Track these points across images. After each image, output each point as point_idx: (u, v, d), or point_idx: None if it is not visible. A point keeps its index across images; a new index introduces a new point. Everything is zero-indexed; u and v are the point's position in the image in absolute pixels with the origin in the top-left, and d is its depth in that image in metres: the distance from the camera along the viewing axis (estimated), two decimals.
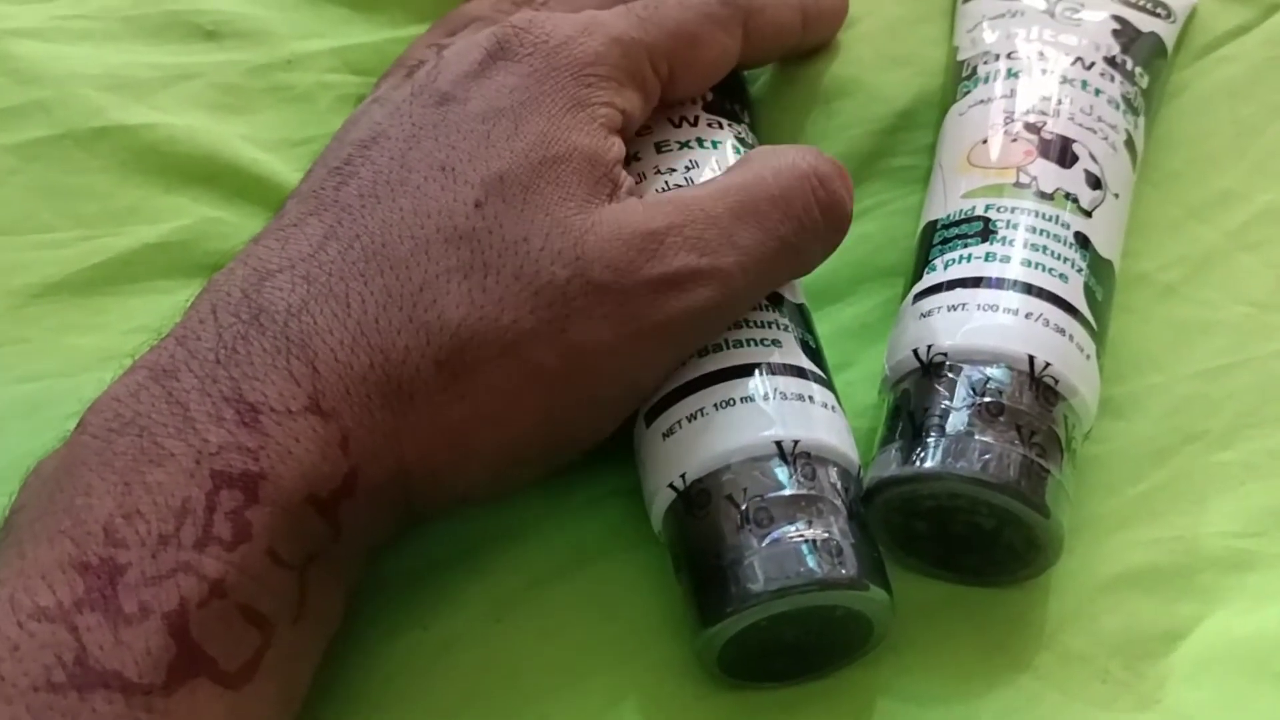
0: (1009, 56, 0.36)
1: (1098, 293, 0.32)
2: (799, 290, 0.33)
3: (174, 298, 0.35)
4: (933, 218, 0.34)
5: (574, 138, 0.30)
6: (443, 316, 0.27)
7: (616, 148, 0.31)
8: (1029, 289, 0.31)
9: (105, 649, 0.23)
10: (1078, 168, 0.33)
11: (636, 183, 0.32)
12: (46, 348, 0.35)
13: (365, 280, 0.27)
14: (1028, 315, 0.30)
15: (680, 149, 0.34)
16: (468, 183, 0.28)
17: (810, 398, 0.30)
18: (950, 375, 0.30)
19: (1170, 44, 0.38)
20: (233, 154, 0.38)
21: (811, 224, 0.31)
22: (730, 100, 0.36)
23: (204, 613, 0.24)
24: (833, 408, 0.30)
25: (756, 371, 0.30)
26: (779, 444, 0.29)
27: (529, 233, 0.28)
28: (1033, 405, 0.29)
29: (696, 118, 0.35)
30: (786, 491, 0.28)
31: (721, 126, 0.35)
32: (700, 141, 0.34)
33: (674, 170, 0.33)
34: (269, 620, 0.25)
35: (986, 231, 0.32)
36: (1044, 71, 0.35)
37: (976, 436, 0.29)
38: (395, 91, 0.32)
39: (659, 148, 0.34)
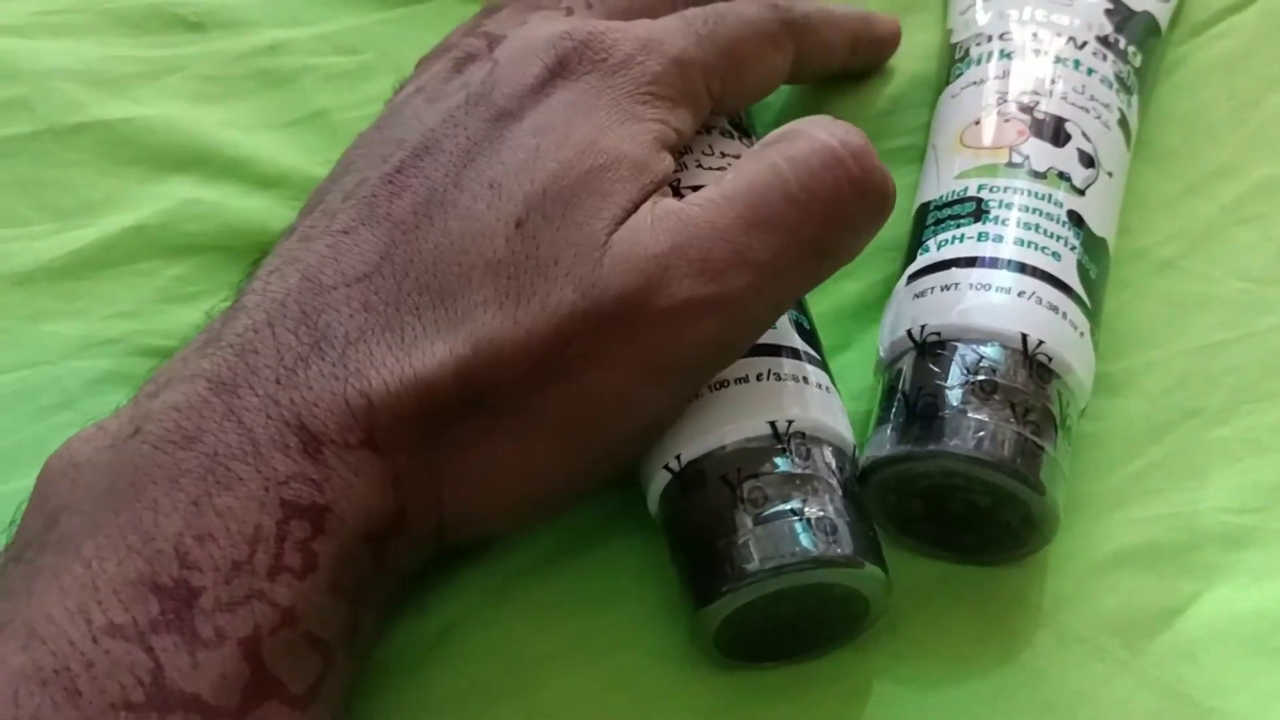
0: (1002, 38, 0.36)
1: (1091, 270, 0.32)
2: None
3: (153, 280, 0.36)
4: (926, 199, 0.34)
5: (622, 146, 0.29)
6: (477, 353, 0.26)
7: (666, 163, 0.29)
8: (1022, 268, 0.31)
9: (183, 672, 0.23)
10: (1070, 147, 0.33)
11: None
12: (24, 337, 0.34)
13: (419, 313, 0.27)
14: (1020, 293, 0.30)
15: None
16: (511, 199, 0.27)
17: (805, 379, 0.30)
18: (944, 354, 0.30)
19: (1164, 22, 0.38)
20: (212, 140, 0.38)
21: (844, 216, 0.28)
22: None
23: (275, 640, 0.24)
24: (827, 388, 0.30)
25: (751, 353, 0.30)
26: (773, 424, 0.29)
27: (560, 253, 0.27)
28: (1027, 383, 0.29)
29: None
30: (781, 471, 0.28)
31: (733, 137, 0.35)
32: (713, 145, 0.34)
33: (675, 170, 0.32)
34: (330, 646, 0.25)
35: (979, 211, 0.32)
36: (1037, 52, 0.35)
37: (971, 415, 0.29)
38: (445, 89, 0.31)
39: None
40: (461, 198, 0.28)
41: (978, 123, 0.34)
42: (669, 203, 0.28)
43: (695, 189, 0.29)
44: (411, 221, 0.28)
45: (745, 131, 0.35)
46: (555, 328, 0.26)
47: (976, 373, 0.29)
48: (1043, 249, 0.31)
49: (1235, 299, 0.35)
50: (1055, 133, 0.33)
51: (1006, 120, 0.34)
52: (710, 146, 0.33)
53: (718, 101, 0.32)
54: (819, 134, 0.28)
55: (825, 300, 0.35)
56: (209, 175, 0.37)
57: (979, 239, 0.32)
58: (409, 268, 0.27)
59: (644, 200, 0.28)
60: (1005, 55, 0.36)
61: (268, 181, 0.37)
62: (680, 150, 0.31)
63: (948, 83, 0.37)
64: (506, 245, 0.27)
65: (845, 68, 0.39)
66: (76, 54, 0.39)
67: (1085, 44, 0.36)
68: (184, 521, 0.24)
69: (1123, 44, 0.36)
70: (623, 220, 0.27)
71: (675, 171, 0.30)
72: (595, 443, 0.28)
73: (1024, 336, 0.30)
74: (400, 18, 0.42)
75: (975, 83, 0.36)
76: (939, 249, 0.32)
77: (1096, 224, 0.32)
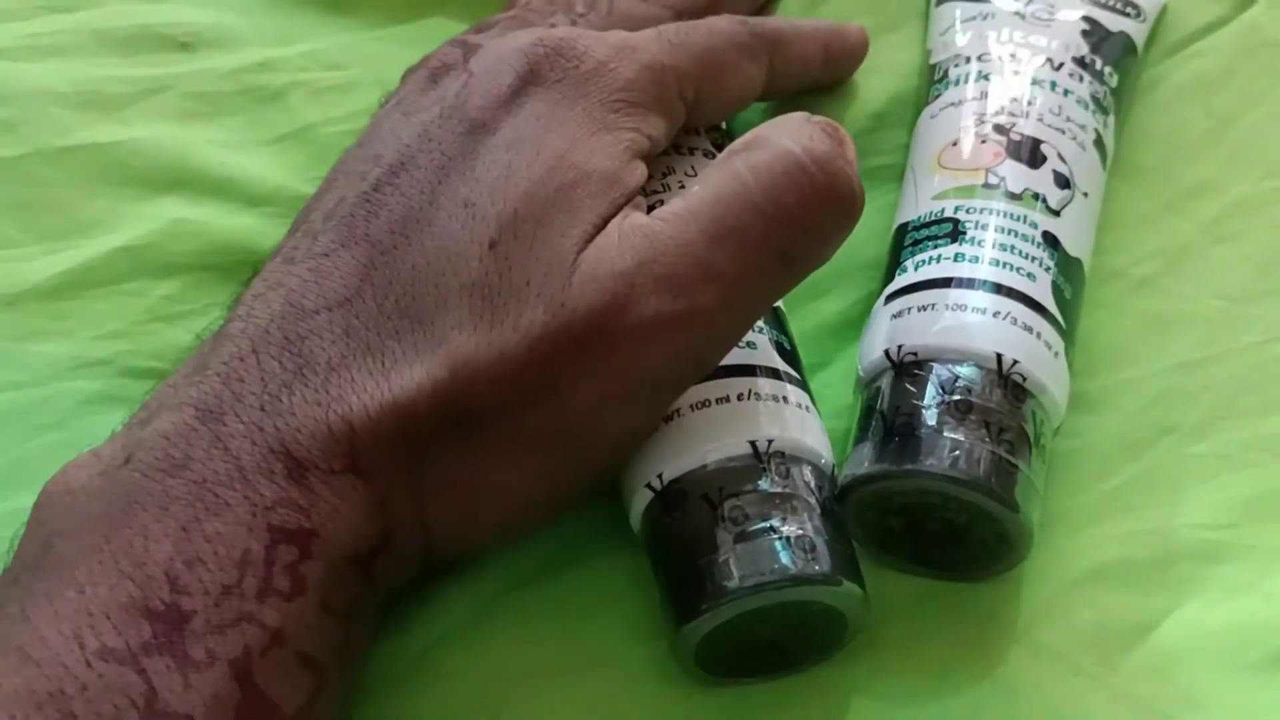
0: (980, 59, 0.37)
1: (1066, 291, 0.32)
2: None
3: (142, 300, 0.36)
4: (904, 219, 0.34)
5: (594, 160, 0.29)
6: (454, 376, 0.27)
7: (639, 173, 0.30)
8: (997, 288, 0.31)
9: (176, 693, 0.24)
10: (1046, 168, 0.34)
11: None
12: (12, 358, 0.35)
13: (398, 337, 0.27)
14: (996, 314, 0.31)
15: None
16: (485, 219, 0.28)
17: (785, 398, 0.30)
18: (921, 374, 0.30)
19: (1140, 43, 0.38)
20: (200, 159, 0.38)
21: (809, 224, 0.28)
22: None
23: (266, 659, 0.25)
24: (807, 408, 0.31)
25: (732, 373, 0.30)
26: (754, 444, 0.29)
27: (531, 274, 0.27)
28: (1001, 402, 0.30)
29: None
30: (761, 490, 0.29)
31: (698, 133, 0.35)
32: (678, 148, 0.34)
33: (655, 191, 0.33)
34: (321, 664, 0.26)
35: (956, 232, 0.32)
36: (1014, 73, 0.36)
37: (946, 434, 0.29)
38: (421, 102, 0.31)
39: None
40: (437, 217, 0.28)
41: (955, 144, 0.35)
42: (637, 218, 0.28)
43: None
44: (389, 242, 0.28)
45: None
46: (528, 349, 0.27)
47: (952, 392, 0.30)
48: (1018, 270, 0.32)
49: (1212, 317, 0.35)
50: (1031, 154, 0.34)
51: (983, 142, 0.34)
52: (693, 168, 0.33)
53: (693, 110, 0.32)
54: (783, 140, 0.28)
55: (806, 319, 0.35)
56: (197, 194, 0.38)
57: (955, 260, 0.32)
58: (388, 290, 0.28)
59: (614, 214, 0.28)
60: (983, 76, 0.36)
61: (255, 199, 0.38)
62: (655, 156, 0.32)
63: (927, 103, 0.37)
64: (480, 266, 0.27)
65: (818, 81, 0.39)
66: (65, 75, 0.40)
67: (1062, 65, 0.36)
68: (174, 547, 0.25)
69: (1099, 65, 0.37)
70: (592, 236, 0.28)
71: (650, 182, 0.31)
72: (574, 458, 0.28)
73: (999, 356, 0.30)
74: (387, 35, 0.42)
75: (953, 104, 0.36)
76: (916, 269, 0.32)
77: (1071, 245, 0.33)
